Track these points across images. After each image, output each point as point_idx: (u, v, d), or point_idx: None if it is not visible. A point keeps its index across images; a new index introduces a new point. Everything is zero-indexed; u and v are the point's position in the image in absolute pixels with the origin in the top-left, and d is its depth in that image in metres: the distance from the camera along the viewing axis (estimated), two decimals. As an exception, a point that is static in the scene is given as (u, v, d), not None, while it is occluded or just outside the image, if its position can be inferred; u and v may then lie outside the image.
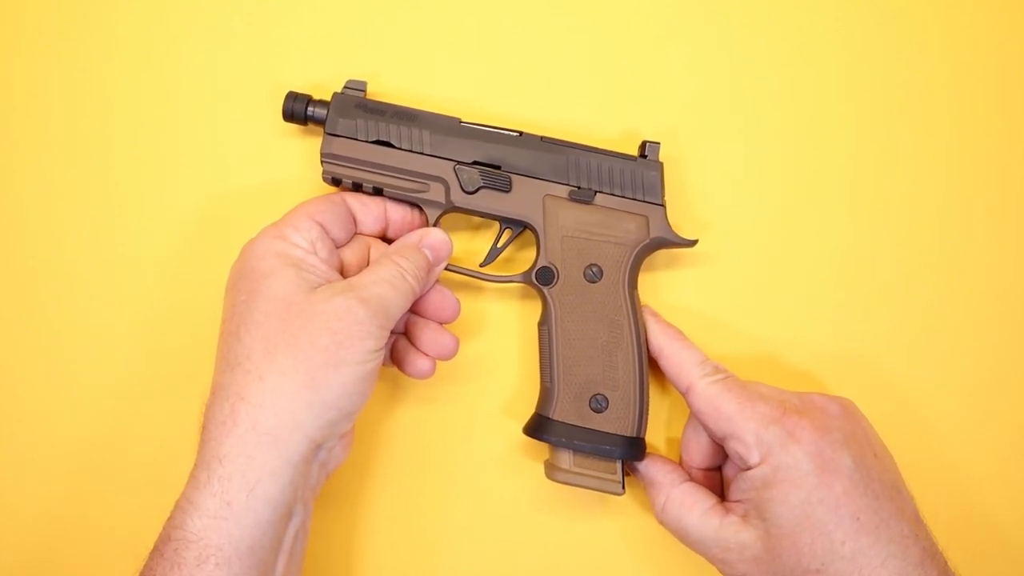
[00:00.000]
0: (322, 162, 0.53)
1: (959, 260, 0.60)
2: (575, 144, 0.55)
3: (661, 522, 0.52)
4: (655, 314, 0.55)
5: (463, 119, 0.54)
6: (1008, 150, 0.61)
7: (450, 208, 0.54)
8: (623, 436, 0.52)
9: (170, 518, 0.43)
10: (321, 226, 0.49)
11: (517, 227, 0.55)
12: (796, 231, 0.60)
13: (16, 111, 0.58)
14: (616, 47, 0.61)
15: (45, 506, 0.55)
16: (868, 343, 0.59)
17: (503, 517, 0.56)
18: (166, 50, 0.59)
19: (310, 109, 0.53)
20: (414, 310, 0.53)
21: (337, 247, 0.51)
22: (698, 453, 0.53)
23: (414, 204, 0.54)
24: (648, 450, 0.54)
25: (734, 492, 0.50)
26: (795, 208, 0.60)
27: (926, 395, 0.59)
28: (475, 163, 0.54)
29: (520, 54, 0.61)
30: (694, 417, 0.52)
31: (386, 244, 0.54)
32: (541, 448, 0.55)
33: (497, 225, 0.56)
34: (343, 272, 0.50)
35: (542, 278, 0.54)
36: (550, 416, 0.52)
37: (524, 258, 0.58)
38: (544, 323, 0.54)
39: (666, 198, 0.55)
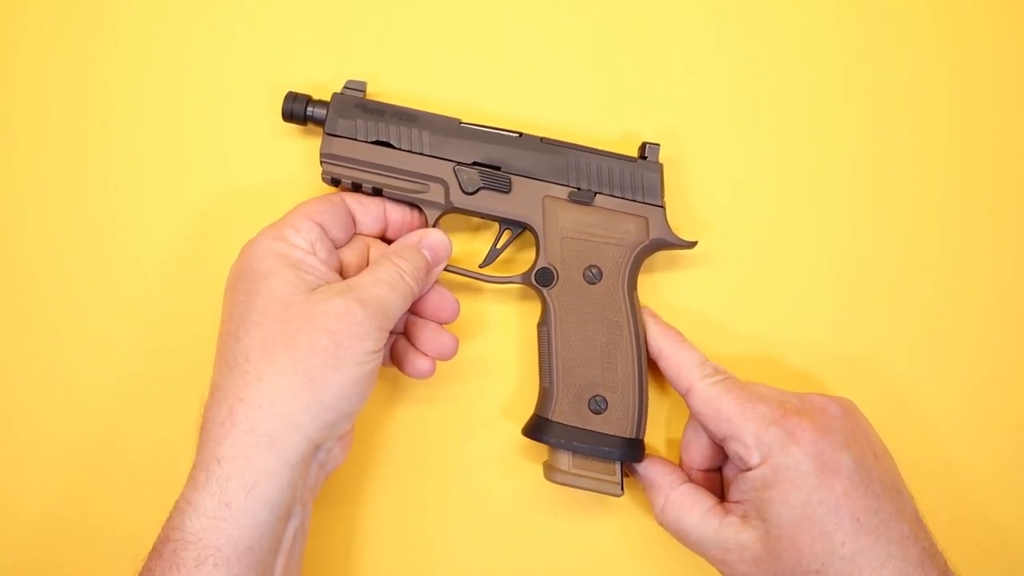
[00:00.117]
0: (321, 162, 0.53)
1: (959, 260, 0.60)
2: (575, 145, 0.55)
3: (660, 523, 0.52)
4: (655, 315, 0.55)
5: (463, 120, 0.54)
6: (1008, 150, 0.61)
7: (449, 209, 0.54)
8: (622, 437, 0.52)
9: (169, 519, 0.43)
10: (320, 226, 0.49)
11: (516, 228, 0.55)
12: (796, 231, 0.60)
13: (16, 111, 0.58)
14: (616, 47, 0.61)
15: (45, 506, 0.55)
16: (868, 343, 0.59)
17: (502, 518, 0.56)
18: (166, 50, 0.59)
19: (309, 109, 0.53)
20: (414, 310, 0.53)
21: (336, 247, 0.51)
22: (698, 454, 0.53)
23: (413, 205, 0.54)
24: (647, 451, 0.54)
25: (734, 493, 0.50)
26: (795, 208, 0.60)
27: (926, 395, 0.59)
28: (475, 164, 0.54)
29: (520, 54, 0.60)
30: (694, 418, 0.52)
31: (385, 244, 0.54)
32: (540, 449, 0.55)
33: (496, 226, 0.56)
34: (342, 273, 0.50)
35: (541, 279, 0.54)
36: (549, 417, 0.52)
37: (523, 259, 0.58)
38: (543, 324, 0.54)
39: (666, 199, 0.55)
